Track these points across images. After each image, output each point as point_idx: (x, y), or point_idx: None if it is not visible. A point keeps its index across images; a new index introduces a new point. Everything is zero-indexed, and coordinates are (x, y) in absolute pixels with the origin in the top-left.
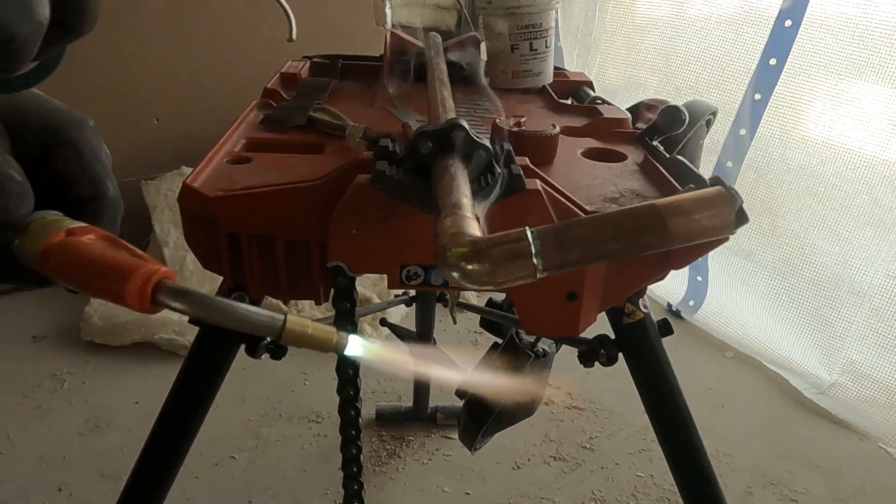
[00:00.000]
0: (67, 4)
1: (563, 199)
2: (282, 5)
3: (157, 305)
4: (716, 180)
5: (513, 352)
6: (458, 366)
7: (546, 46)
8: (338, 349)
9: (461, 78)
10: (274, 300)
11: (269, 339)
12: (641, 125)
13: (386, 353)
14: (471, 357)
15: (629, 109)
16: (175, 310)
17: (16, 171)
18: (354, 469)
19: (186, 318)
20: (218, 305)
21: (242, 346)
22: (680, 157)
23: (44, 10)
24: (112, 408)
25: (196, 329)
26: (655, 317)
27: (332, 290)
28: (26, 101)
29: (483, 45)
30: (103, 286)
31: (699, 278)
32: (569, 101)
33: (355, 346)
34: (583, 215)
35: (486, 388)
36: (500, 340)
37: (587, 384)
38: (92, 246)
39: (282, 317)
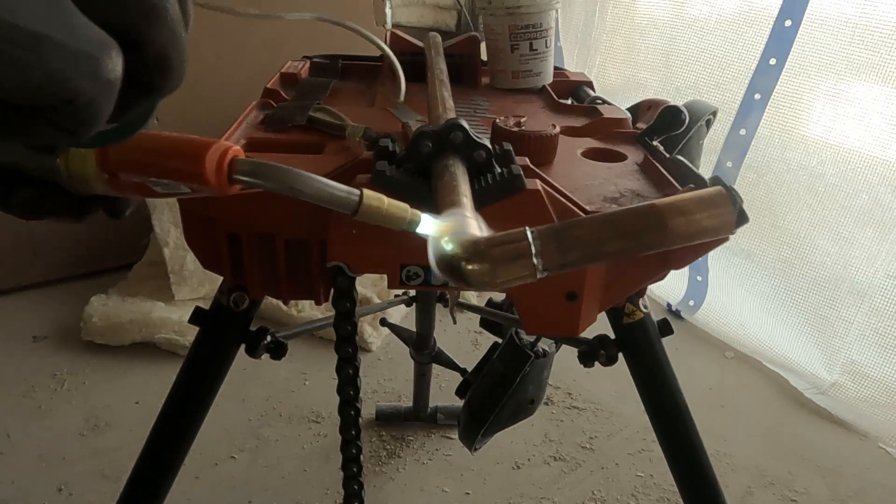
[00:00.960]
0: (147, 60)
1: (563, 199)
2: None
3: (234, 182)
4: (716, 180)
5: (513, 352)
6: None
7: (546, 46)
8: (411, 226)
9: (461, 78)
10: (274, 300)
11: (269, 339)
12: (641, 125)
13: (456, 229)
14: None
15: (629, 109)
16: (252, 185)
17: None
18: (354, 469)
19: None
20: (296, 177)
21: (242, 346)
22: (680, 157)
23: (115, 67)
24: (112, 408)
25: (196, 329)
26: (655, 317)
27: (332, 290)
28: None
29: (483, 45)
30: (180, 165)
31: (699, 278)
32: (569, 101)
33: (427, 224)
34: (583, 215)
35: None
36: (500, 340)
37: (587, 384)
38: (151, 135)
39: (358, 192)
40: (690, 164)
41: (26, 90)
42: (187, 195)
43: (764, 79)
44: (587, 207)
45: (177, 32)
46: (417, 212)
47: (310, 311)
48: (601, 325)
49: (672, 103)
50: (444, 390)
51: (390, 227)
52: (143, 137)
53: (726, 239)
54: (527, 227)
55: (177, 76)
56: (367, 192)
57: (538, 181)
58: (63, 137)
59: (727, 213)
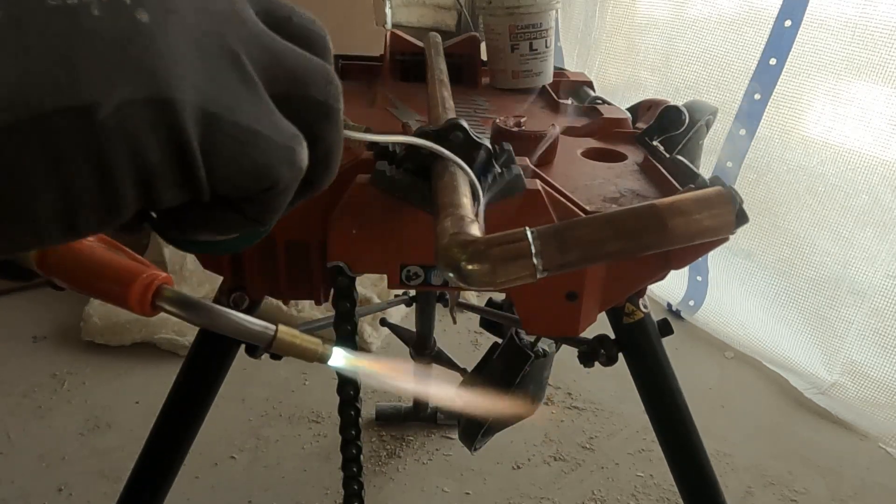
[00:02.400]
0: (318, 156)
1: (563, 199)
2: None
3: (156, 310)
4: (716, 180)
5: (513, 352)
6: (443, 384)
7: (546, 46)
8: (322, 359)
9: (461, 78)
10: (274, 300)
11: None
12: (641, 125)
13: (368, 366)
14: (455, 379)
15: (629, 109)
16: (173, 314)
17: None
18: (354, 469)
19: None
20: (214, 313)
21: (242, 346)
22: (680, 157)
23: (305, 157)
24: (112, 408)
25: (196, 329)
26: (655, 317)
27: (332, 290)
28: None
29: (483, 45)
30: (106, 289)
31: (699, 278)
32: (569, 101)
33: (338, 358)
34: (583, 215)
35: (473, 405)
36: (500, 340)
37: (587, 384)
38: (92, 248)
39: (273, 327)
40: (690, 164)
41: (237, 180)
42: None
43: (764, 79)
44: (587, 207)
45: (342, 135)
46: (329, 346)
47: (310, 311)
48: (601, 325)
49: (672, 103)
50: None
51: (302, 359)
52: (81, 250)
53: (726, 239)
54: (527, 227)
55: (333, 175)
56: (282, 327)
57: (538, 181)
58: (250, 226)
59: (727, 213)
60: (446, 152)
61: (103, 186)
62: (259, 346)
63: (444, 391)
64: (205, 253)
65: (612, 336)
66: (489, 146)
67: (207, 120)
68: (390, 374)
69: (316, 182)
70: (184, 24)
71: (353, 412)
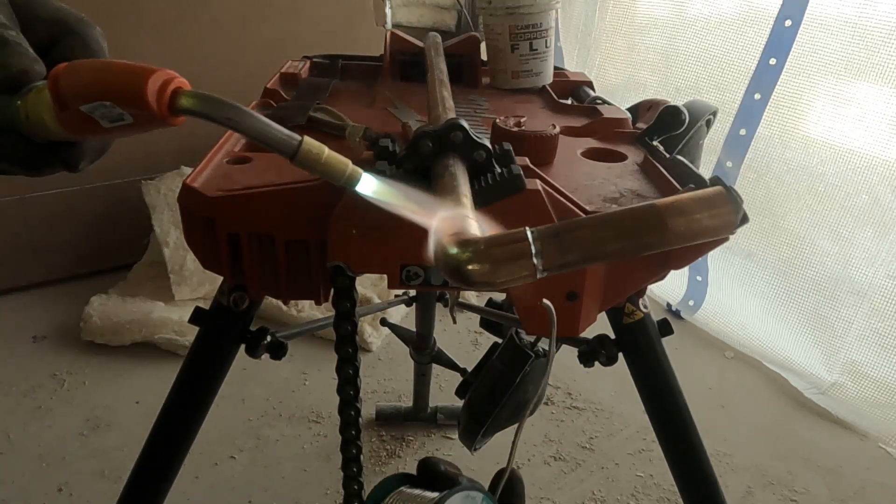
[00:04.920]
0: None
1: (563, 199)
2: None
3: (176, 112)
4: (716, 180)
5: (513, 352)
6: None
7: (546, 46)
8: (349, 182)
9: (461, 78)
10: (274, 300)
11: (269, 339)
12: (641, 125)
13: (395, 197)
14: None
15: (629, 109)
16: (194, 114)
17: (24, 42)
18: (354, 469)
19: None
20: (240, 112)
21: (242, 346)
22: (680, 157)
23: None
24: (112, 408)
25: (196, 329)
26: (655, 317)
27: (332, 290)
28: None
29: (483, 45)
30: (123, 87)
31: (699, 278)
32: (569, 101)
33: (367, 184)
34: (583, 215)
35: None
36: (500, 340)
37: (587, 384)
38: (106, 60)
39: (299, 137)
40: (690, 164)
41: None
42: (132, 129)
43: (764, 79)
44: (587, 207)
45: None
46: (358, 169)
47: (310, 311)
48: (601, 325)
49: (672, 103)
50: (444, 390)
51: (328, 180)
52: (90, 62)
53: (726, 239)
54: (527, 227)
55: None
56: (307, 139)
57: (538, 181)
58: None
59: (727, 213)
60: None
61: None
62: (264, 340)
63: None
64: None
65: (612, 336)
66: (489, 146)
67: None
68: (412, 208)
69: None
70: None
71: (353, 412)
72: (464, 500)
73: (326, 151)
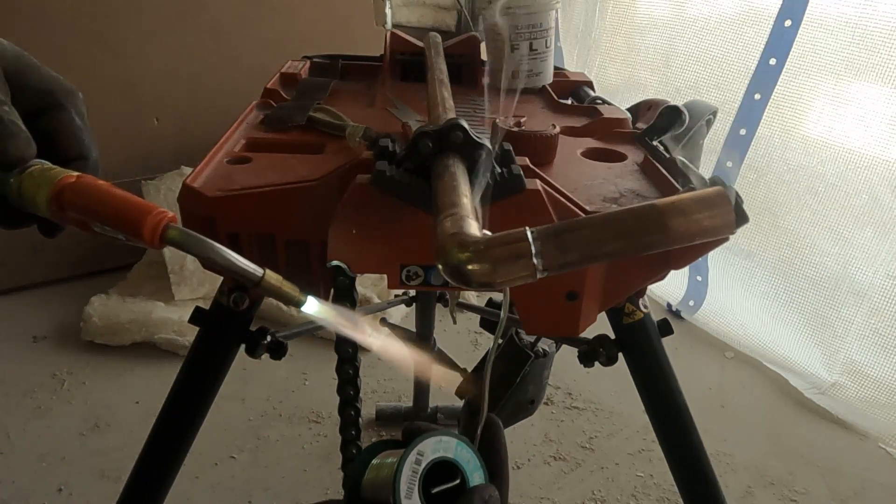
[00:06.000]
0: None
1: (563, 199)
2: None
3: (164, 243)
4: (716, 180)
5: (513, 352)
6: (402, 345)
7: (546, 46)
8: (298, 304)
9: (461, 78)
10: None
11: (269, 339)
12: (641, 125)
13: (334, 318)
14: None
15: (629, 109)
16: (177, 247)
17: (18, 119)
18: None
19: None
20: (211, 249)
21: (242, 346)
22: (680, 157)
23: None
24: (112, 408)
25: (196, 329)
26: (655, 317)
27: (332, 290)
28: (29, 61)
29: (483, 45)
30: (122, 221)
31: (699, 278)
32: (569, 101)
33: (312, 305)
34: (583, 215)
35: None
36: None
37: (587, 384)
38: (107, 186)
39: (262, 270)
40: (690, 164)
41: None
42: (120, 241)
43: (764, 79)
44: (587, 207)
45: None
46: (305, 294)
47: None
48: (601, 325)
49: (672, 103)
50: (444, 390)
51: (284, 303)
52: (97, 188)
53: (726, 239)
54: (527, 228)
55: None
56: (268, 272)
57: (538, 181)
58: None
59: (727, 213)
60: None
61: None
62: (264, 340)
63: (396, 351)
64: None
65: (612, 336)
66: (489, 146)
67: None
68: (350, 328)
69: None
70: None
71: (353, 412)
72: (436, 445)
73: (283, 282)
